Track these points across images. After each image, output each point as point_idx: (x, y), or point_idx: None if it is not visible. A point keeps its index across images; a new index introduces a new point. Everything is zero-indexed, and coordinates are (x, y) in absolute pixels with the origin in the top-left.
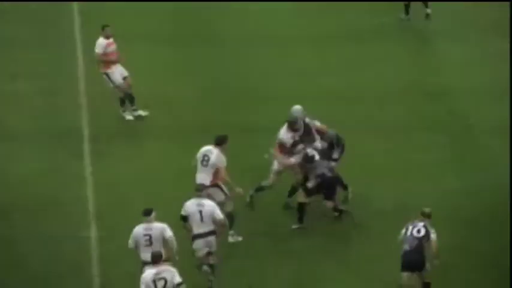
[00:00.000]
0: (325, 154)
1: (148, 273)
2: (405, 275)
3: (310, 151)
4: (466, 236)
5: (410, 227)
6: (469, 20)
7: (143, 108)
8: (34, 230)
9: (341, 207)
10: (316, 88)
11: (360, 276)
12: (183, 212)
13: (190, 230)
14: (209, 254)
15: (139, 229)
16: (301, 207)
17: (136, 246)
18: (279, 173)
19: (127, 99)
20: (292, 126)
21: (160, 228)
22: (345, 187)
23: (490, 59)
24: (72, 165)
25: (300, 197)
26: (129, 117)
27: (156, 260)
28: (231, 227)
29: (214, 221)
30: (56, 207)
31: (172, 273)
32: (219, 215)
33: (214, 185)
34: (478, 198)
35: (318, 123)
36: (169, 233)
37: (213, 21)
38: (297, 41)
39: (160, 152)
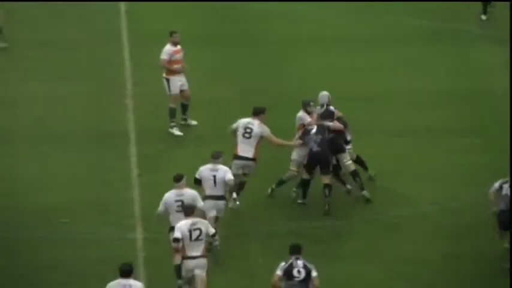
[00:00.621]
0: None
1: (185, 223)
2: (501, 232)
3: (310, 126)
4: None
5: (505, 186)
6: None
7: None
8: (80, 232)
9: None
10: (356, 90)
11: (392, 276)
12: (197, 176)
13: (202, 191)
14: (216, 219)
15: (170, 195)
16: (304, 183)
17: (168, 211)
18: (298, 164)
19: (182, 108)
20: (305, 108)
21: (193, 195)
22: (365, 167)
23: None
24: (118, 168)
25: (303, 173)
26: (178, 133)
27: (188, 212)
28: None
29: (226, 183)
30: (102, 209)
31: (206, 225)
32: (230, 176)
33: (254, 159)
34: None
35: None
36: (200, 202)
37: (253, 23)
38: (338, 43)
39: (205, 154)
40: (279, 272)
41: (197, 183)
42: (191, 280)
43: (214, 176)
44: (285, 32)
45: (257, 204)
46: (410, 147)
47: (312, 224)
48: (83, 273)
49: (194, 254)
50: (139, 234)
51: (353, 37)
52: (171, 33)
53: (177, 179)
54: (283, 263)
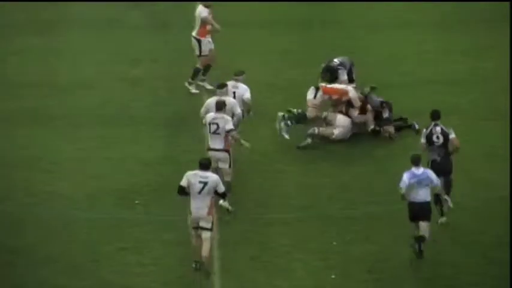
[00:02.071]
0: None
1: (209, 115)
2: None
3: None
4: None
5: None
6: None
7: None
8: (157, 213)
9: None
10: (441, 72)
11: (486, 262)
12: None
13: None
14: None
15: (212, 99)
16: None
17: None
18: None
19: (205, 69)
20: None
21: (233, 103)
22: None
23: None
24: (193, 149)
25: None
26: (194, 91)
27: (218, 107)
28: None
29: (244, 101)
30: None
31: (225, 121)
32: (248, 97)
33: None
34: None
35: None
36: (238, 110)
37: (332, 7)
38: (417, 27)
39: (280, 137)
40: (422, 140)
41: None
42: (218, 170)
43: (234, 93)
44: (367, 16)
45: (334, 187)
46: (496, 130)
47: (392, 207)
48: (159, 254)
49: (215, 146)
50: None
51: (437, 19)
52: None
53: (221, 86)
54: (424, 130)
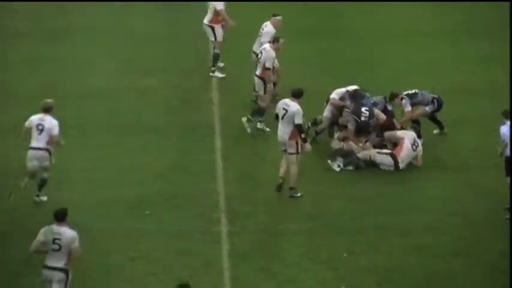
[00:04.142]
0: None
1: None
2: None
3: None
4: None
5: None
6: None
7: None
8: (165, 223)
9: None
10: (445, 83)
11: (487, 270)
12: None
13: None
14: None
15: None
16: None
17: None
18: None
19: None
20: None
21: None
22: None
23: None
24: (203, 160)
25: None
26: (221, 75)
27: None
28: None
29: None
30: (187, 201)
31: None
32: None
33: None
34: None
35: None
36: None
37: (342, 17)
38: (428, 37)
39: None
40: (408, 108)
41: None
42: None
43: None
44: (378, 26)
45: (344, 197)
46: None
47: (401, 218)
48: (168, 264)
49: None
50: (223, 227)
51: (448, 29)
52: None
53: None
54: (403, 101)
